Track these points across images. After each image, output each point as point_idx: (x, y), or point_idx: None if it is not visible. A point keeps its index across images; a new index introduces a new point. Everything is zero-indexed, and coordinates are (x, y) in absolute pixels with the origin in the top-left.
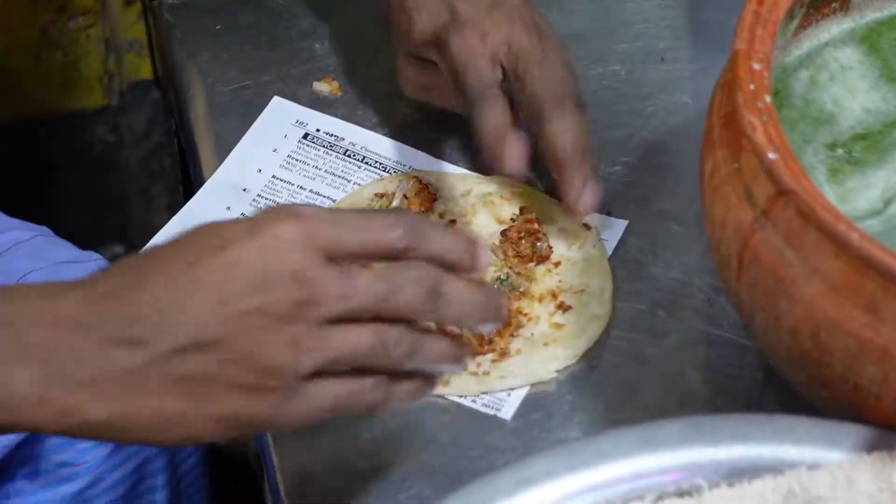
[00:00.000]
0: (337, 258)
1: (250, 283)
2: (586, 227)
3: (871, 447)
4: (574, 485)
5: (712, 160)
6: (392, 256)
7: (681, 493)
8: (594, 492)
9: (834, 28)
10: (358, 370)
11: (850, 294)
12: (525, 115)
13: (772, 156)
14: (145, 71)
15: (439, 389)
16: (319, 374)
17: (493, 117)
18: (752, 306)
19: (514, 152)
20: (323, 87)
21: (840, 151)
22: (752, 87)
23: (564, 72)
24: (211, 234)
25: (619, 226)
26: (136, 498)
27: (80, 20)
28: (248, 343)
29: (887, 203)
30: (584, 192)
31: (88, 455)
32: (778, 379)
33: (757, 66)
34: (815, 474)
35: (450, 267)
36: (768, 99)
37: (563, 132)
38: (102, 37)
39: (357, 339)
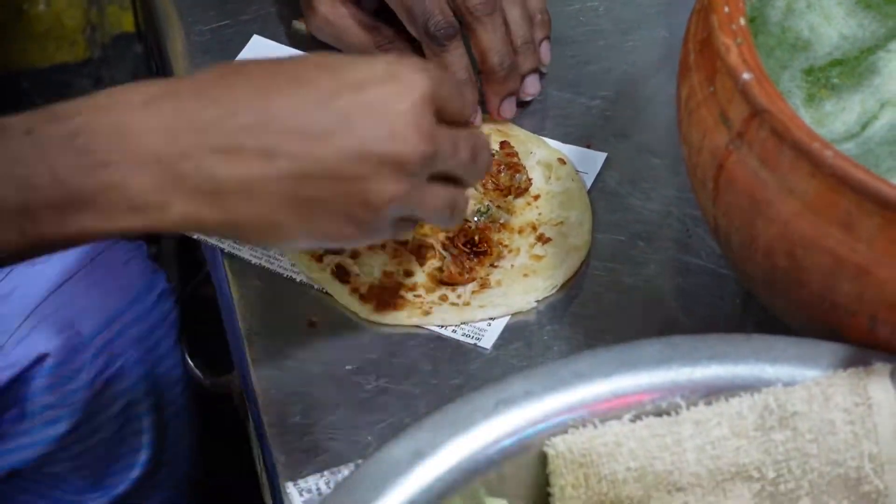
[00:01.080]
0: (440, 116)
1: (389, 130)
2: (562, 161)
3: (847, 364)
4: (552, 404)
5: (688, 85)
6: (462, 124)
7: (659, 412)
8: (572, 411)
9: None
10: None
11: (825, 212)
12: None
13: (746, 76)
14: (128, 23)
15: (420, 320)
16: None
17: (458, 62)
18: (728, 229)
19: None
20: (301, 27)
21: (817, 76)
22: (726, 9)
23: None
24: (347, 68)
25: (598, 158)
26: (123, 439)
27: None
28: (375, 184)
29: (864, 126)
30: (502, 105)
31: (73, 398)
32: (756, 307)
33: None
34: (791, 391)
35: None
36: (742, 21)
37: (488, 48)
38: None
39: (441, 198)
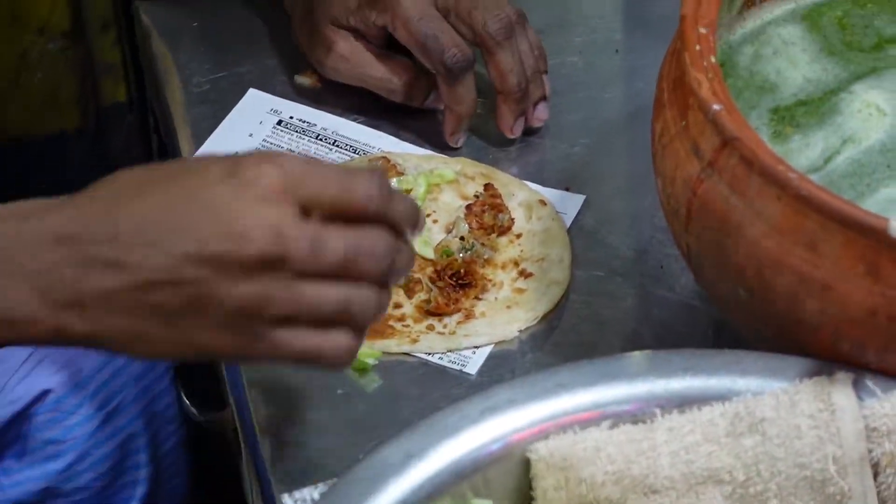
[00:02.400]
0: (310, 211)
1: (227, 229)
2: (542, 202)
3: (812, 375)
4: (536, 413)
5: (662, 121)
6: (360, 218)
7: (635, 420)
8: (554, 419)
9: (776, 9)
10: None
11: (791, 233)
12: (475, 46)
13: (716, 107)
14: (121, 94)
15: (409, 347)
16: (285, 322)
17: (469, 95)
18: (700, 253)
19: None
20: (305, 80)
21: (783, 115)
22: (698, 48)
23: (501, 6)
24: (194, 171)
25: (577, 200)
26: (120, 474)
27: (59, 42)
28: (220, 286)
29: (827, 160)
30: (515, 124)
31: (74, 433)
32: (727, 336)
33: (703, 30)
34: (759, 399)
35: (400, 232)
36: (713, 59)
37: (509, 70)
38: (80, 59)
39: (324, 296)
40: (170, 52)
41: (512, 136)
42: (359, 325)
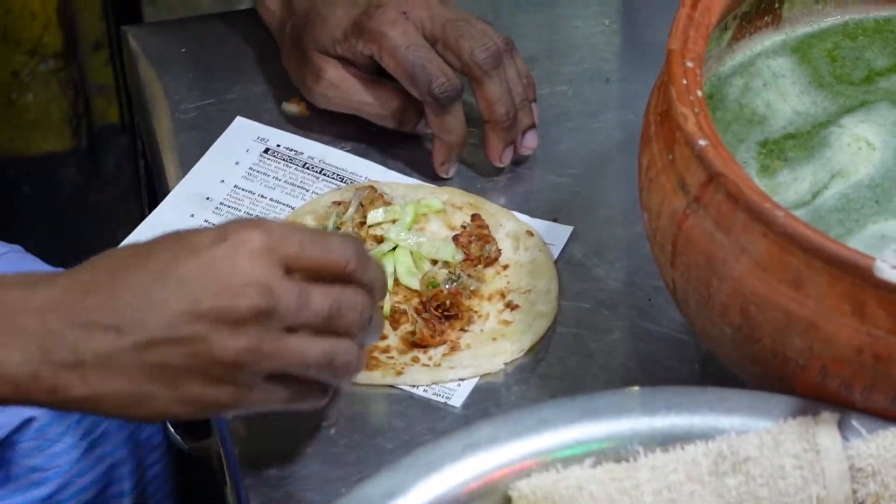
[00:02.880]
0: (292, 271)
1: (220, 286)
2: (530, 233)
3: (797, 414)
4: (518, 450)
5: (648, 154)
6: (337, 277)
7: (618, 458)
8: (536, 457)
9: (766, 40)
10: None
11: (776, 270)
12: (463, 75)
13: (702, 142)
14: (113, 115)
15: (393, 380)
16: (274, 372)
17: (458, 125)
18: (686, 288)
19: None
20: (292, 108)
21: (771, 148)
22: (684, 82)
23: (488, 35)
24: (185, 239)
25: (564, 231)
26: (104, 502)
27: (51, 63)
28: (216, 341)
29: (815, 195)
30: (504, 153)
31: (58, 460)
32: (714, 370)
33: (690, 64)
34: (743, 438)
35: (372, 294)
36: (700, 93)
37: (497, 99)
38: (72, 80)
39: (310, 347)
40: (157, 78)
41: (500, 165)
42: (339, 375)
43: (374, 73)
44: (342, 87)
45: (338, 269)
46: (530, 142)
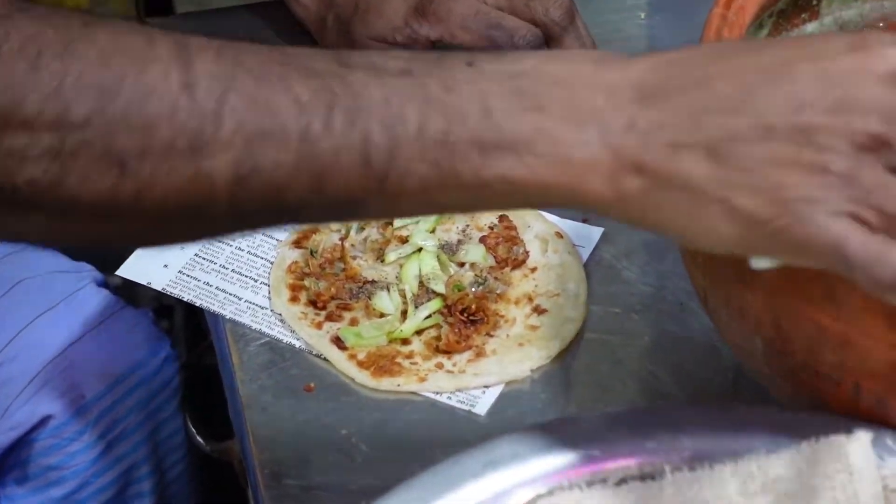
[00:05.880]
0: None
1: (837, 100)
2: (559, 235)
3: (829, 432)
4: (539, 467)
5: None
6: None
7: (643, 477)
8: (559, 474)
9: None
10: None
11: (809, 283)
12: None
13: None
14: None
15: (416, 386)
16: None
17: None
18: (717, 300)
19: None
20: None
21: None
22: None
23: None
24: (809, 42)
25: (594, 233)
26: (123, 502)
27: None
28: (806, 156)
29: None
30: None
31: (76, 459)
32: (748, 380)
33: None
34: (773, 457)
35: None
36: None
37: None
38: None
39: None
40: None
41: None
42: None
43: None
44: None
45: None
46: None
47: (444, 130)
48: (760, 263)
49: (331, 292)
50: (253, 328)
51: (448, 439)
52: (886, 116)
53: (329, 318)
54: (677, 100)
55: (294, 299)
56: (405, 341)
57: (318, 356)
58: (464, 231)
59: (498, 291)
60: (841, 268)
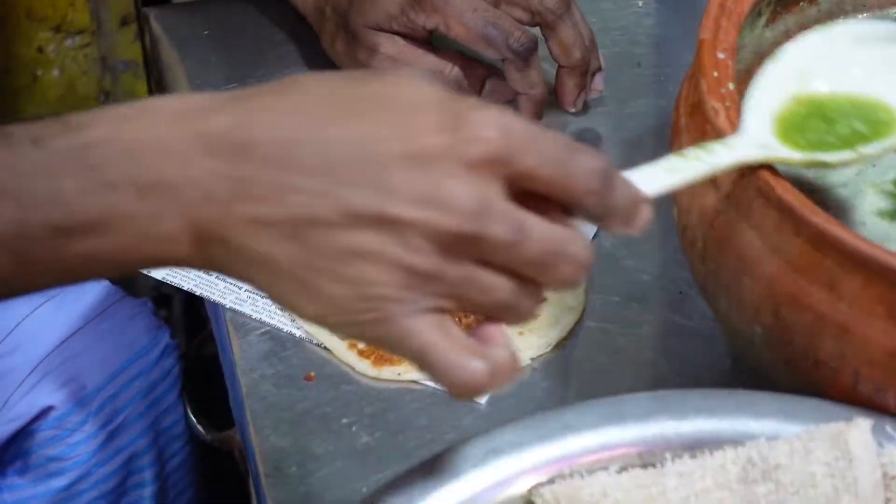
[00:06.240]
0: (517, 188)
1: (424, 194)
2: None
3: (829, 419)
4: (541, 455)
5: (678, 147)
6: (573, 205)
7: (644, 465)
8: (560, 462)
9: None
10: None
11: (808, 271)
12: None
13: None
14: (141, 91)
15: (416, 375)
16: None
17: (540, 77)
18: (716, 287)
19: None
20: None
21: None
22: (715, 74)
23: None
24: (405, 106)
25: None
26: (124, 493)
27: (77, 39)
28: (394, 250)
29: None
30: (578, 97)
31: (77, 450)
32: (746, 368)
33: (721, 56)
34: (773, 444)
35: (607, 225)
36: (731, 86)
37: (572, 43)
38: (99, 56)
39: (498, 295)
40: (180, 61)
41: (573, 111)
42: (512, 320)
43: (428, 47)
44: (401, 59)
45: (575, 199)
46: (599, 84)
47: (19, 220)
48: None
49: None
50: (253, 317)
51: (449, 428)
52: (473, 213)
53: None
54: (262, 166)
55: None
56: None
57: (319, 345)
58: None
59: None
60: (424, 370)
